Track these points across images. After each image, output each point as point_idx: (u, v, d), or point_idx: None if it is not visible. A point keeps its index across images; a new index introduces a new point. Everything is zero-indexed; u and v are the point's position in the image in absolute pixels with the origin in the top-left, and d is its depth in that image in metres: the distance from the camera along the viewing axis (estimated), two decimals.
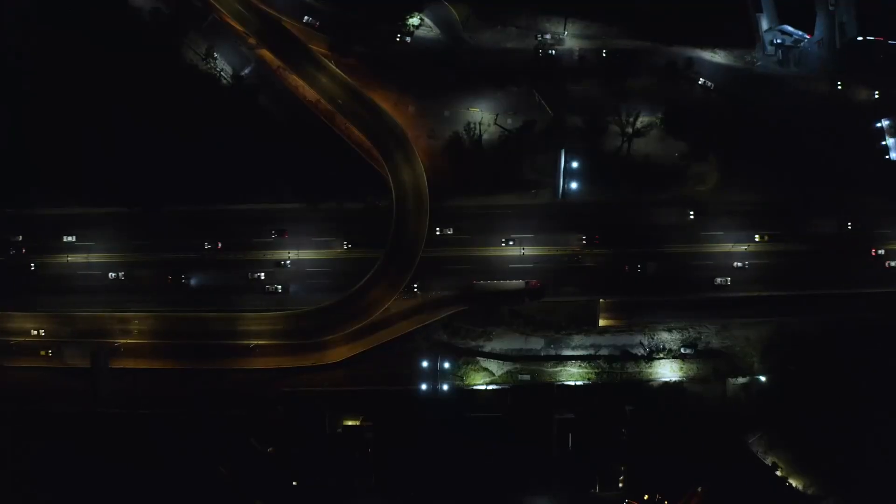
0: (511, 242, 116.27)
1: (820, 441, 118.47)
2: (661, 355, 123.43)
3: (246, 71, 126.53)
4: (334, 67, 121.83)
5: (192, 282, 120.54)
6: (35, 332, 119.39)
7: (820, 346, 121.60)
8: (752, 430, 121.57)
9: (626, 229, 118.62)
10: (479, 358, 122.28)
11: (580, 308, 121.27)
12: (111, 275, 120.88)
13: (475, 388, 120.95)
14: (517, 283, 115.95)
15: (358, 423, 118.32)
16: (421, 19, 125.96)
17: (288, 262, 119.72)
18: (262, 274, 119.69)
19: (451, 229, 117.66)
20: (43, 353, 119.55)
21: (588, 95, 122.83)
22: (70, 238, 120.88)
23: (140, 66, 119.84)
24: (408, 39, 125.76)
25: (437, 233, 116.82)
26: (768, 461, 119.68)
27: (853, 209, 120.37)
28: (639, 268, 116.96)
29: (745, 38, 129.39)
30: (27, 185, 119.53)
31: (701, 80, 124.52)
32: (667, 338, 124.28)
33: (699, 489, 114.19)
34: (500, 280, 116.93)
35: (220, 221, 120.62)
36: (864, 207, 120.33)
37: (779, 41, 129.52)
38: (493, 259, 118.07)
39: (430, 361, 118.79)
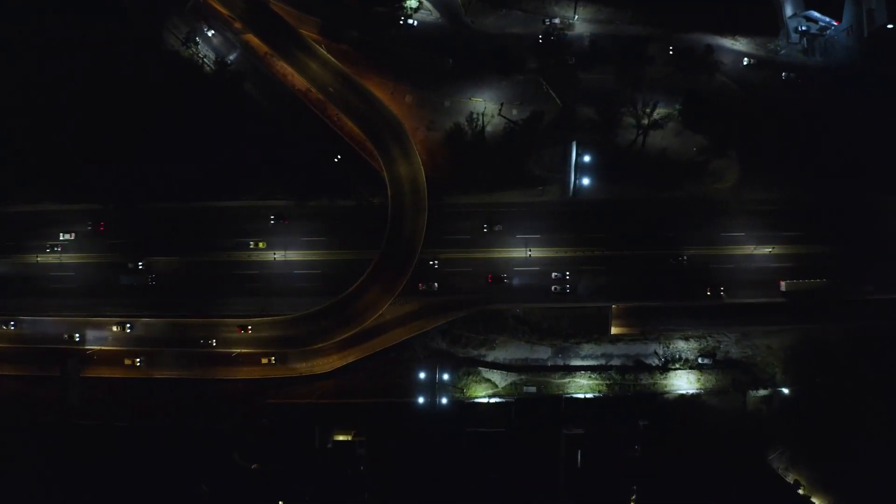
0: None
1: (845, 458, 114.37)
2: (677, 366, 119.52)
3: (231, 57, 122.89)
4: (326, 54, 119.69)
5: (171, 284, 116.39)
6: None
7: (848, 355, 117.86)
8: (773, 445, 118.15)
9: (641, 229, 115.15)
10: (480, 368, 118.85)
11: (590, 314, 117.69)
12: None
13: (476, 400, 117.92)
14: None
15: (349, 437, 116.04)
16: (419, 2, 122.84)
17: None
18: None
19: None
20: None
21: (600, 84, 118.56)
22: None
23: (118, 52, 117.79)
24: (408, 22, 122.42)
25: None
26: (790, 479, 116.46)
27: (880, 209, 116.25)
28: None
29: (768, 24, 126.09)
30: None
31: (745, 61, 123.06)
32: (683, 347, 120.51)
33: None
34: None
35: (202, 219, 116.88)
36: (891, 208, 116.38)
37: (804, 28, 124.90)
38: (496, 261, 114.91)
39: (427, 372, 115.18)
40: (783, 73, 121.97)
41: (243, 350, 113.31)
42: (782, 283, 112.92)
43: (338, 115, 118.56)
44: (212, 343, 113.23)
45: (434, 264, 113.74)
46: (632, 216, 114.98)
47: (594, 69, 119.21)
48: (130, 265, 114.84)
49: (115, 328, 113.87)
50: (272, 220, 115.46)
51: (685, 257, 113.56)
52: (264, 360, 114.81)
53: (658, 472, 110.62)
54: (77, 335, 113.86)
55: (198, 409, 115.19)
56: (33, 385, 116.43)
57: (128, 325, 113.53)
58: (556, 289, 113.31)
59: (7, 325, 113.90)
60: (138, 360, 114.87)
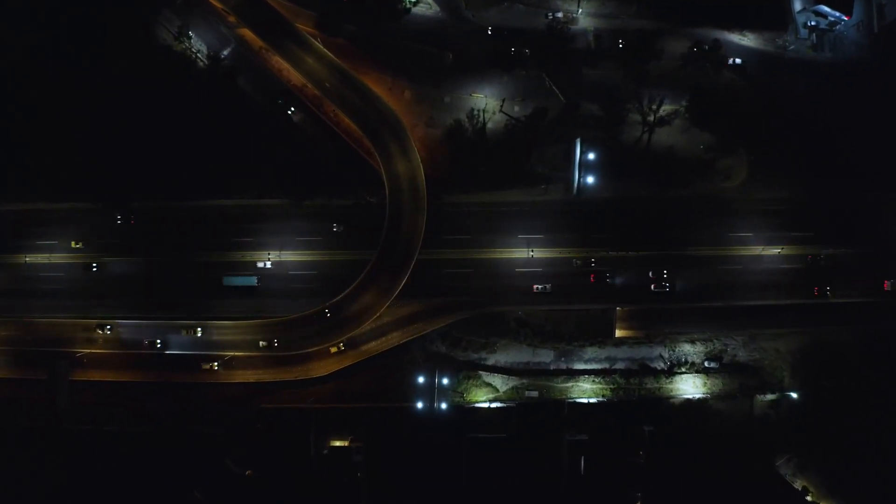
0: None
1: (855, 464, 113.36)
2: (683, 369, 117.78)
3: (225, 52, 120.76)
4: (322, 48, 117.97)
5: (164, 286, 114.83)
6: None
7: (858, 359, 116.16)
8: (781, 451, 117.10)
9: (646, 229, 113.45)
10: (481, 372, 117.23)
11: (594, 317, 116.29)
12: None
13: (477, 405, 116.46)
14: None
15: (346, 443, 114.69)
16: None
17: (268, 262, 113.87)
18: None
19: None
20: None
21: (605, 80, 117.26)
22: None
23: (108, 47, 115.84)
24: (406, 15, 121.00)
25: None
26: (798, 485, 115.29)
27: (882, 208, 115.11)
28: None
29: (777, 19, 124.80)
30: None
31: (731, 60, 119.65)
32: (689, 350, 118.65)
33: None
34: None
35: (194, 218, 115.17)
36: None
37: (813, 23, 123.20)
38: (498, 262, 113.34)
39: (426, 376, 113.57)
40: (731, 59, 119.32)
41: (237, 353, 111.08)
42: (886, 283, 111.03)
43: (334, 112, 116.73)
44: (275, 344, 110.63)
45: (592, 262, 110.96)
46: (637, 215, 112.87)
47: (598, 64, 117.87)
48: (260, 264, 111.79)
49: (184, 332, 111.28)
50: (118, 219, 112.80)
51: (822, 255, 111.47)
52: (333, 349, 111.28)
53: (663, 479, 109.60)
54: (159, 341, 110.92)
55: (190, 414, 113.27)
56: (24, 388, 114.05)
57: (198, 329, 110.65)
58: (654, 287, 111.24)
59: (104, 330, 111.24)
60: (216, 363, 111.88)
